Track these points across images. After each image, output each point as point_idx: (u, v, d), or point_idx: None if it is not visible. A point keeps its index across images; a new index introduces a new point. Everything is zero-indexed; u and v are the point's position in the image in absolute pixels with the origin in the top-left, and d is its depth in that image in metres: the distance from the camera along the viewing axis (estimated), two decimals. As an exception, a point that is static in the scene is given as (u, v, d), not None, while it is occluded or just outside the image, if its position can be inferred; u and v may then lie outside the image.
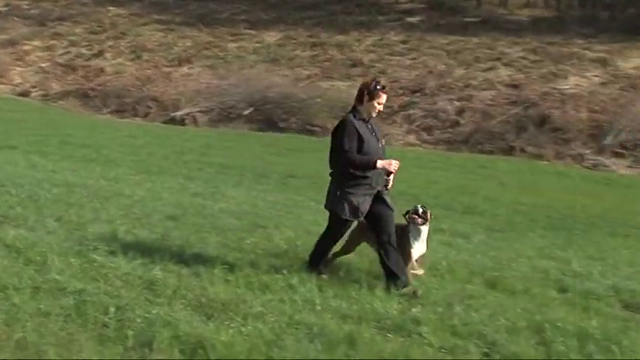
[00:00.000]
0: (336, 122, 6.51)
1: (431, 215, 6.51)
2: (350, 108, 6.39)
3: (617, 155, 19.96)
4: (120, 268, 6.18)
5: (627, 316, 6.20)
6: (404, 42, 27.99)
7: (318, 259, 6.59)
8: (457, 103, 22.86)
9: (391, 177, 6.37)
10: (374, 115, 6.33)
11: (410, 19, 30.40)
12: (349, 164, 6.18)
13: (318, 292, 5.96)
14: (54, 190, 9.77)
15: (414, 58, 26.63)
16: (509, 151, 20.57)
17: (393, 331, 5.22)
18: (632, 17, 28.01)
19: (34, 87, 28.38)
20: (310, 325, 5.16)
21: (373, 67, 26.13)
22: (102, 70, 28.68)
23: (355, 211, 6.20)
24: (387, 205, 6.32)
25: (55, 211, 8.37)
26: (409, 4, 32.20)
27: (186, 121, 24.23)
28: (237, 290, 5.87)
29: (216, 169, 14.84)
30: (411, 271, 6.44)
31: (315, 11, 32.11)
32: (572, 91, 22.82)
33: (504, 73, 24.69)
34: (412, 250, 6.42)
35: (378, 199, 6.28)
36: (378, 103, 6.27)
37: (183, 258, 6.75)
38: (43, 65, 29.86)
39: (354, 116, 6.25)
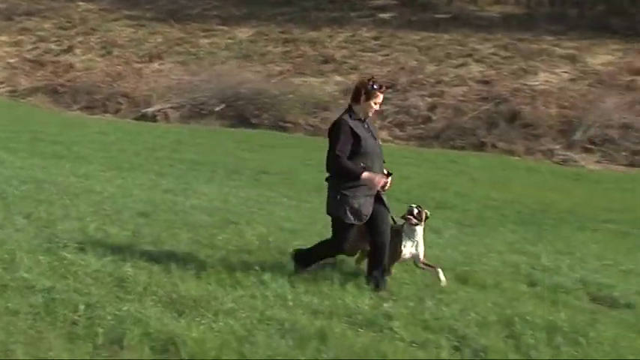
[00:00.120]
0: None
1: (427, 216, 6.43)
2: (346, 107, 6.28)
3: (587, 151, 20.20)
4: (90, 265, 6.12)
5: (594, 308, 6.30)
6: (376, 38, 28.04)
7: (310, 261, 6.42)
8: (429, 99, 22.97)
9: (389, 179, 6.31)
10: (370, 114, 6.23)
11: (382, 16, 30.44)
12: (338, 169, 6.08)
13: (290, 288, 5.97)
14: (22, 187, 9.64)
15: (386, 55, 26.69)
16: (480, 146, 20.72)
17: (365, 326, 5.25)
18: (600, 14, 28.33)
19: (1, 83, 27.96)
20: (282, 320, 5.17)
21: (345, 63, 26.14)
22: (71, 66, 28.32)
23: (358, 214, 6.06)
24: (384, 205, 6.24)
25: (24, 209, 8.26)
26: (381, 1, 32.24)
27: (158, 118, 24.05)
28: (208, 287, 5.85)
29: (187, 165, 14.77)
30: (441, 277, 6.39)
31: (288, 7, 32.02)
32: (542, 87, 23.05)
33: (475, 69, 24.85)
34: (403, 249, 6.34)
35: (376, 198, 6.18)
36: (375, 103, 6.16)
37: (154, 255, 6.71)
38: (11, 61, 29.42)
39: (350, 116, 6.14)
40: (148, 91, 25.40)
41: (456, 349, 4.98)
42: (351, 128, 6.05)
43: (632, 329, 5.65)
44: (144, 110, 24.47)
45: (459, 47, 26.45)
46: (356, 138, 6.04)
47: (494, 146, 20.66)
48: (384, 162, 6.32)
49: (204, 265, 6.46)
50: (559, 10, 29.10)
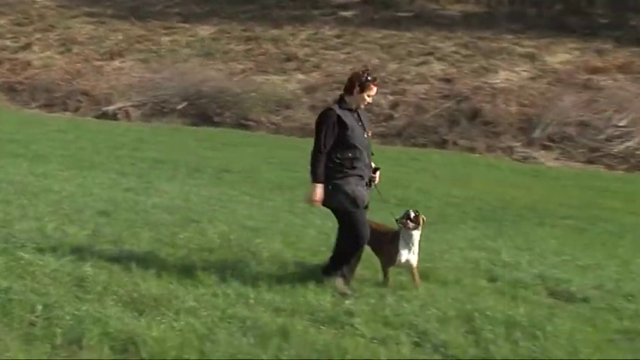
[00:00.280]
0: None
1: (424, 221, 6.36)
2: (337, 98, 6.22)
3: (546, 148, 20.48)
4: (48, 265, 6.05)
5: (552, 303, 6.41)
6: (338, 36, 28.08)
7: (339, 265, 6.17)
8: (391, 97, 23.06)
9: (377, 174, 6.29)
10: (362, 106, 6.19)
11: (344, 14, 30.50)
12: (311, 162, 6.02)
13: (252, 286, 5.96)
14: (-22, 187, 9.49)
15: (348, 53, 26.74)
16: (442, 144, 20.88)
17: (326, 323, 5.27)
18: (558, 14, 28.76)
19: (-44, 81, 27.40)
20: (243, 318, 5.17)
21: (308, 61, 26.13)
22: (29, 64, 27.83)
23: (354, 200, 5.98)
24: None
25: (-20, 209, 8.13)
26: (343, -1, 32.34)
27: (119, 116, 23.78)
28: (169, 285, 5.83)
29: (149, 163, 14.63)
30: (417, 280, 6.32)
31: (249, 5, 31.88)
32: (503, 85, 23.31)
33: (437, 67, 25.03)
34: (397, 255, 6.25)
35: None
36: (368, 95, 6.11)
37: (114, 254, 6.66)
38: (-33, 58, 28.85)
39: (340, 106, 6.08)
40: (108, 89, 25.09)
41: (417, 344, 5.03)
42: (339, 117, 5.98)
43: (588, 323, 5.76)
44: (105, 108, 24.17)
45: (421, 45, 26.61)
46: (343, 127, 5.97)
47: (455, 144, 20.84)
48: (372, 154, 6.24)
49: (166, 264, 6.43)
50: (518, 9, 29.47)
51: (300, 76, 25.10)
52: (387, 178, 14.93)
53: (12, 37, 30.31)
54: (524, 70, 24.36)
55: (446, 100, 22.62)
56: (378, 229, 6.40)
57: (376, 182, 6.33)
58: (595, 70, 23.66)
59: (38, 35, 30.32)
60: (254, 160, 16.38)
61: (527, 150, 20.37)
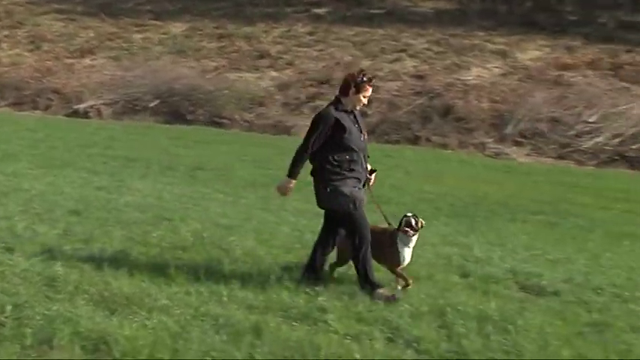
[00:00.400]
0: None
1: (422, 225, 6.30)
2: (333, 99, 6.16)
3: (517, 144, 20.66)
4: (18, 265, 5.99)
5: (523, 297, 6.48)
6: (311, 33, 28.07)
7: (368, 271, 6.02)
8: (364, 94, 23.10)
9: (373, 176, 6.27)
10: (358, 108, 6.14)
11: (317, 11, 30.49)
12: (294, 157, 5.99)
13: (225, 284, 5.95)
14: (-54, 187, 9.35)
15: (321, 50, 26.75)
16: (414, 140, 20.97)
17: (300, 320, 5.28)
18: (528, 11, 29.03)
19: None
20: (216, 316, 5.16)
21: (281, 58, 26.10)
22: (-2, 61, 27.50)
23: (353, 201, 5.94)
24: None
25: (-52, 209, 8.02)
26: (316, -4, 32.33)
27: (90, 114, 23.55)
28: (141, 284, 5.80)
29: (121, 162, 14.52)
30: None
31: (222, 2, 31.73)
32: (475, 81, 23.47)
33: (409, 64, 25.12)
34: (401, 257, 6.18)
35: None
36: (364, 97, 6.07)
37: (86, 253, 6.61)
38: None
39: (336, 108, 6.02)
40: (79, 87, 24.83)
41: (390, 340, 5.07)
42: (337, 119, 5.94)
43: (558, 316, 5.84)
44: (75, 106, 23.92)
45: (393, 42, 26.70)
46: (341, 129, 5.93)
47: (428, 140, 20.95)
48: (368, 157, 6.22)
49: (138, 263, 6.39)
50: (490, 6, 29.67)
51: (274, 74, 25.06)
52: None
53: (-21, 35, 29.89)
54: (496, 67, 24.55)
55: (418, 96, 22.72)
56: (374, 230, 6.26)
57: (371, 184, 6.30)
58: (565, 67, 23.93)
59: (6, 32, 29.93)
60: (227, 157, 16.33)
61: (499, 146, 20.54)
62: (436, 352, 4.89)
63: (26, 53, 28.07)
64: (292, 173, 6.01)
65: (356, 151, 6.01)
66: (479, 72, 24.31)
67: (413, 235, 6.21)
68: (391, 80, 23.92)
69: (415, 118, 21.71)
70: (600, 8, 28.60)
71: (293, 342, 4.79)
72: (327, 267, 6.43)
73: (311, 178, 6.15)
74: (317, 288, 6.00)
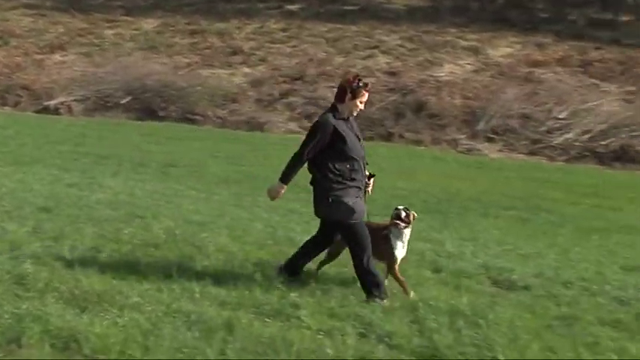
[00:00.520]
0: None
1: (414, 217, 6.26)
2: (329, 107, 6.06)
3: (489, 140, 20.85)
4: (-14, 263, 5.91)
5: (495, 292, 6.54)
6: (284, 30, 28.05)
7: (369, 283, 5.90)
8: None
9: (371, 181, 6.22)
10: (355, 114, 6.02)
11: (289, 7, 30.47)
12: (288, 164, 5.93)
13: (197, 281, 5.93)
14: None
15: (295, 46, 26.74)
16: (388, 137, 21.05)
17: (272, 316, 5.28)
18: (500, 8, 29.31)
19: None
20: (188, 312, 5.14)
21: (254, 54, 26.04)
22: (-35, 57, 27.08)
23: (354, 212, 5.85)
24: None
25: None
26: (289, -8, 32.28)
27: (61, 111, 23.30)
28: (113, 281, 5.75)
29: (92, 159, 14.40)
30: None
31: (194, -2, 31.63)
32: (447, 78, 23.63)
33: (383, 60, 25.22)
34: (395, 252, 6.14)
35: None
36: (361, 102, 5.95)
37: (56, 250, 6.55)
38: None
39: (334, 116, 5.91)
40: (49, 84, 24.55)
41: (362, 335, 5.08)
42: (335, 128, 5.84)
43: (528, 310, 5.90)
44: (46, 103, 23.65)
45: (366, 39, 26.78)
46: (340, 138, 5.84)
47: (401, 136, 21.05)
48: (367, 164, 6.14)
49: (109, 260, 6.35)
50: (462, 3, 29.88)
51: (246, 70, 25.00)
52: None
53: (-54, 30, 29.40)
54: (468, 64, 24.73)
55: (391, 93, 22.81)
56: (369, 226, 6.16)
57: (369, 189, 6.26)
58: (536, 64, 24.19)
59: (-26, 28, 29.49)
60: (200, 154, 16.26)
61: (472, 142, 20.70)
62: (408, 347, 4.91)
63: (-6, 49, 27.70)
64: (285, 179, 5.95)
65: (357, 160, 5.94)
66: (451, 68, 24.47)
67: (404, 227, 6.15)
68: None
69: (388, 115, 21.79)
70: (570, 6, 28.94)
71: (265, 338, 4.79)
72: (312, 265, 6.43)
73: (309, 186, 6.07)
74: (289, 284, 6.01)
